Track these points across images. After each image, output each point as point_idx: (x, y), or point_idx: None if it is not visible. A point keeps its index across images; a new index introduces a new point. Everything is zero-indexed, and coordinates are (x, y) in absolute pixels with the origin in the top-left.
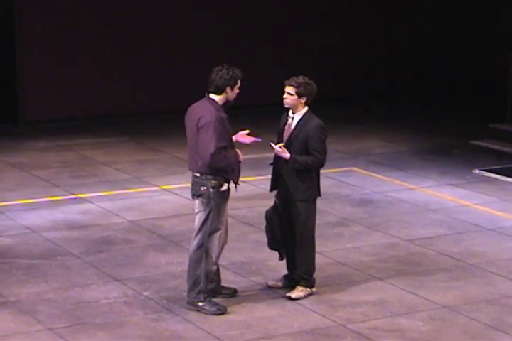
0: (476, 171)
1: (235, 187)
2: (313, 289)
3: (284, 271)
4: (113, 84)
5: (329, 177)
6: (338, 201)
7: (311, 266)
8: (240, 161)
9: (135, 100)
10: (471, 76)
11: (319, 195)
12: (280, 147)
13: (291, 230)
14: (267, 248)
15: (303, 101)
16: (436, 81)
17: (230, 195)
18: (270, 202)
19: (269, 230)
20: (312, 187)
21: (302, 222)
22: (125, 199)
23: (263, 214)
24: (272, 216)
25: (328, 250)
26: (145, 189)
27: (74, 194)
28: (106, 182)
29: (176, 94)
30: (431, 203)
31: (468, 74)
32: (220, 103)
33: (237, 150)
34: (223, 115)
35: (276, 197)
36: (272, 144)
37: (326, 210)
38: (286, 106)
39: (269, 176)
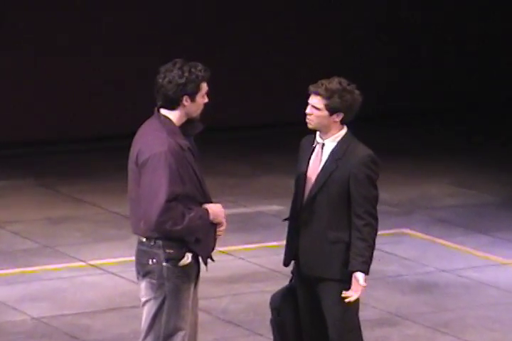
0: None
1: (206, 264)
2: None
3: None
4: (9, 101)
5: None
6: (382, 285)
7: None
8: (216, 224)
9: (44, 123)
10: None
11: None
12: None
13: (320, 327)
14: None
15: (338, 119)
16: None
17: (202, 275)
18: (267, 286)
19: (279, 326)
20: (368, 259)
21: (339, 314)
22: (29, 283)
23: (253, 306)
24: (282, 304)
25: None
26: (61, 266)
27: None
28: None
29: (113, 113)
30: None
31: None
32: (178, 122)
33: (213, 206)
34: (182, 142)
35: (294, 273)
36: None
37: (362, 300)
38: (310, 126)
39: (274, 243)
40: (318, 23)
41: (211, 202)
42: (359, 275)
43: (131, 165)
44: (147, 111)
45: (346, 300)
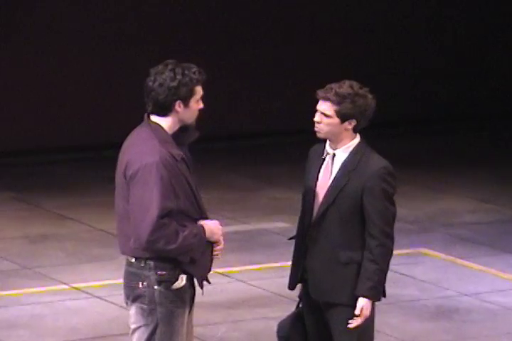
0: None
1: (201, 287)
2: None
3: None
4: None
5: None
6: (397, 310)
7: None
8: (213, 243)
9: (22, 131)
10: None
11: (383, 295)
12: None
13: None
14: None
15: (350, 126)
16: None
17: (198, 300)
18: (270, 312)
19: None
20: (377, 283)
21: None
22: (6, 308)
23: (255, 334)
24: (291, 332)
25: None
26: (42, 289)
27: None
28: None
29: (99, 120)
30: None
31: None
32: (170, 129)
33: (209, 223)
34: (175, 151)
35: (301, 298)
36: None
37: (375, 327)
38: (319, 136)
39: (278, 264)
40: (325, 27)
41: (207, 219)
42: (361, 301)
43: (118, 177)
44: (137, 117)
45: (348, 326)
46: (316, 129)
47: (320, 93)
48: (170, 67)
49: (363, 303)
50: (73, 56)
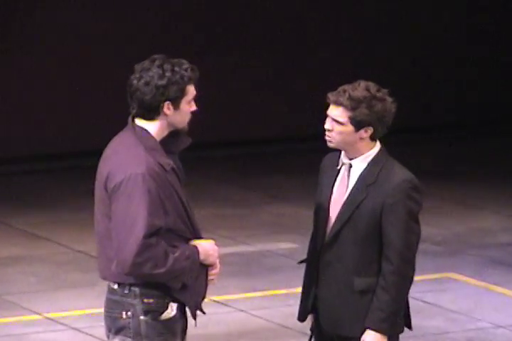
0: None
1: (194, 317)
2: None
3: None
4: None
5: None
6: None
7: None
8: (207, 266)
9: None
10: None
11: (409, 327)
12: None
13: None
14: None
15: (366, 134)
16: None
17: (191, 332)
18: None
19: None
20: (390, 315)
21: None
22: None
23: None
24: None
25: None
26: (11, 319)
27: None
28: None
29: (76, 124)
30: None
31: None
32: (158, 135)
33: (203, 243)
34: (164, 161)
35: (313, 331)
36: None
37: None
38: (331, 145)
39: (284, 290)
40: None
41: (201, 238)
42: (367, 335)
43: (99, 190)
44: (120, 122)
45: None
46: (326, 138)
47: (331, 96)
48: (157, 62)
49: (368, 337)
50: (52, 59)
